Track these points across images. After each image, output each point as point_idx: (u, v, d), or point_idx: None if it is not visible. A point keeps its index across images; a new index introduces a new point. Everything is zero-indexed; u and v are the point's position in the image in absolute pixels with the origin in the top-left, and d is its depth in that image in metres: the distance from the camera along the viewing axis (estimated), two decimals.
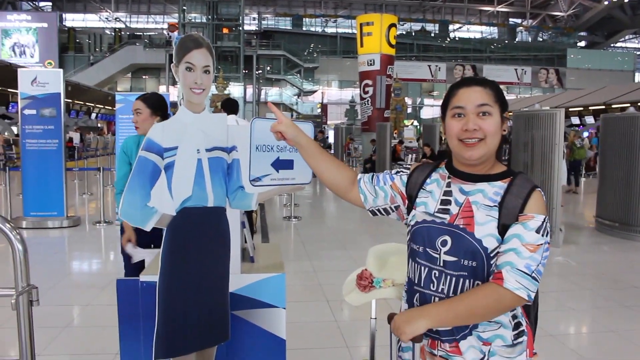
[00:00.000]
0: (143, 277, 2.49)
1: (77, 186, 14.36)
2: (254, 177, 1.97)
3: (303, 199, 12.65)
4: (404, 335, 1.49)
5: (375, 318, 2.23)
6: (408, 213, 1.72)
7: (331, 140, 31.06)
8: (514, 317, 1.57)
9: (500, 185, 1.57)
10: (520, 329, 1.58)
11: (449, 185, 1.64)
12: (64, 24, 46.63)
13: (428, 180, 1.70)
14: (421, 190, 1.69)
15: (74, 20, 48.62)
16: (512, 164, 7.98)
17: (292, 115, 36.86)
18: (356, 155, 25.66)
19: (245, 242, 2.98)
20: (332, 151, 29.02)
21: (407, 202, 1.74)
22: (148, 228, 2.13)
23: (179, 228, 2.18)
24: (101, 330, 4.28)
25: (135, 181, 2.10)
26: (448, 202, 1.61)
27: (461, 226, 1.55)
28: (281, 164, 2.05)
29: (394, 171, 1.81)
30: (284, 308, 2.69)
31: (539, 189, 1.56)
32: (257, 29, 46.07)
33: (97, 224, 8.99)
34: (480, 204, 1.56)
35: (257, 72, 42.49)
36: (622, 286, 5.76)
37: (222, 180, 2.28)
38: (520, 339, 1.57)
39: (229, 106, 6.27)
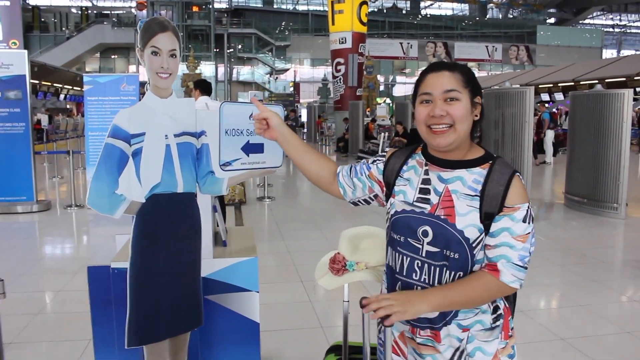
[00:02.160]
0: (114, 264, 2.46)
1: (47, 169, 14.11)
2: (224, 161, 1.95)
3: (277, 179, 12.62)
4: (406, 313, 1.46)
5: (348, 301, 2.24)
6: (387, 200, 1.70)
7: (304, 119, 30.98)
8: (493, 301, 1.58)
9: (479, 172, 1.54)
10: (499, 312, 1.59)
11: (426, 172, 1.62)
12: (27, 2, 45.22)
13: (405, 167, 1.68)
14: (398, 177, 1.67)
15: None
16: (483, 142, 8.06)
17: (264, 95, 36.60)
18: (329, 134, 25.64)
19: (218, 226, 2.97)
20: (305, 130, 28.99)
21: (385, 189, 1.72)
22: (117, 216, 2.10)
23: (149, 215, 2.15)
24: (74, 316, 4.23)
25: (102, 169, 2.06)
26: (427, 191, 1.58)
27: (442, 217, 1.53)
28: (251, 148, 2.03)
29: (370, 160, 1.79)
30: (257, 292, 2.70)
31: (518, 173, 1.54)
32: (227, 6, 45.39)
33: (69, 208, 8.87)
34: (460, 192, 1.53)
35: (228, 51, 42.04)
36: (591, 261, 5.90)
37: (191, 165, 2.25)
38: (498, 322, 1.58)
39: (204, 87, 6.23)
